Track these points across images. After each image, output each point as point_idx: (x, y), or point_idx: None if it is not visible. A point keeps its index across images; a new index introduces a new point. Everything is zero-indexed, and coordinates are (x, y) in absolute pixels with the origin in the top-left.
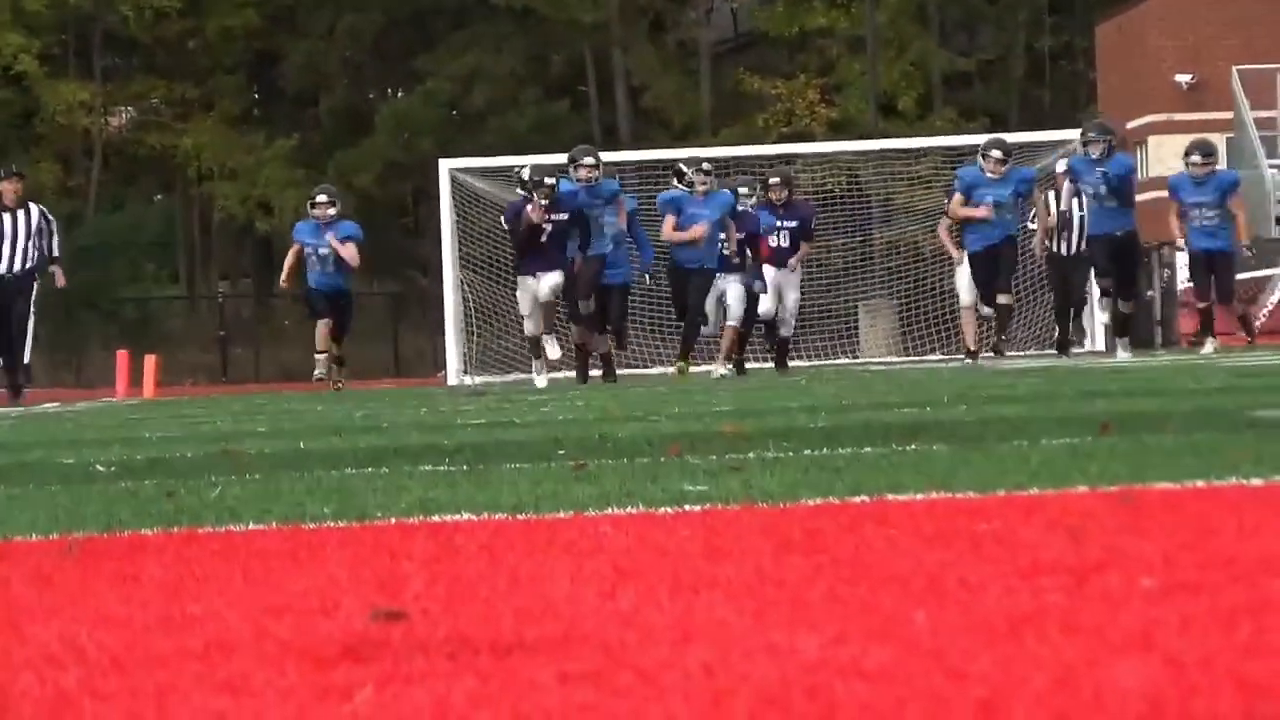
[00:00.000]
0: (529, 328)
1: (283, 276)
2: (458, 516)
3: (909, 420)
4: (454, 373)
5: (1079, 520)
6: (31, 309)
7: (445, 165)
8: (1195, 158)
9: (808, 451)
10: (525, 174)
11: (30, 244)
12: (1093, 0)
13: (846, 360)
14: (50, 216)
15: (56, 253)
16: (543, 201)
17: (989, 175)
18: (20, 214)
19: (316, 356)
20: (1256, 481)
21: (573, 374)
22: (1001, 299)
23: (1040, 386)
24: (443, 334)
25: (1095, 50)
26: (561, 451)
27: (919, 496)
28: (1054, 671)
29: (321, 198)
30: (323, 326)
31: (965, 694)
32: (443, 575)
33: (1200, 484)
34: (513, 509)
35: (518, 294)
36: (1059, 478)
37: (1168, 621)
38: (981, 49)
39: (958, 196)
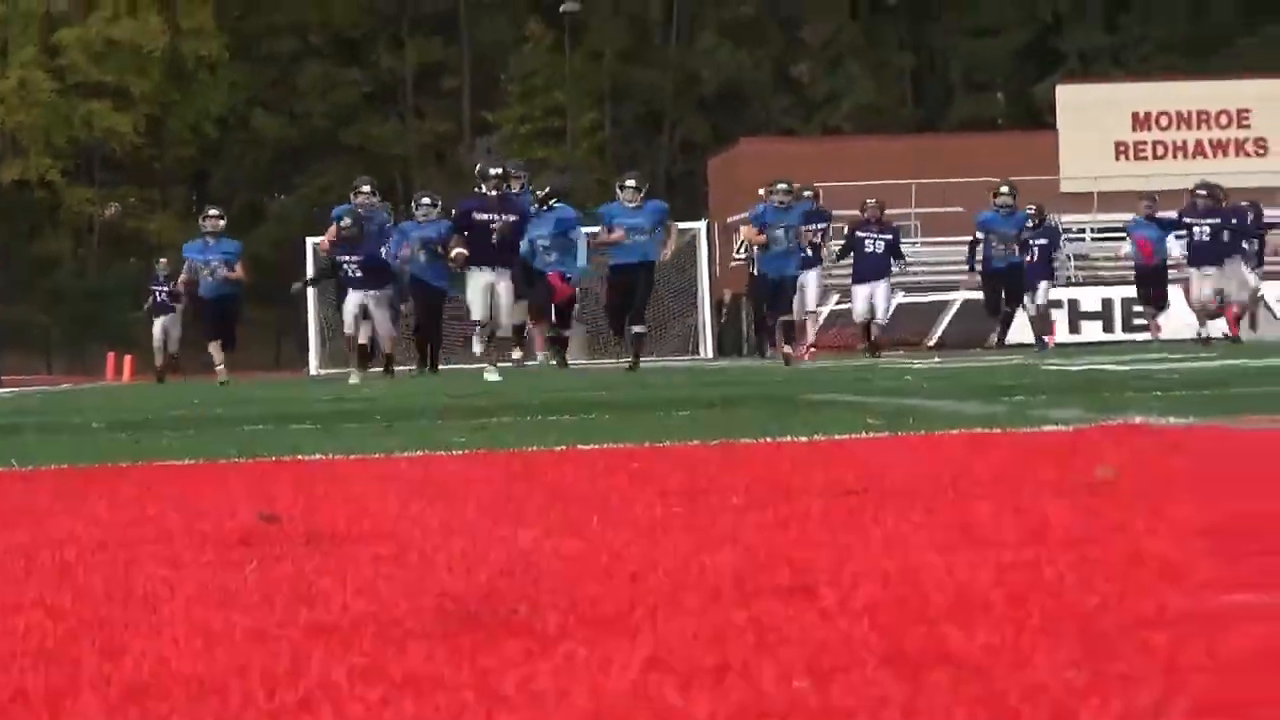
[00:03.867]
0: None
1: (181, 281)
2: (313, 456)
3: (595, 399)
4: (313, 368)
5: (695, 462)
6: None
7: (310, 241)
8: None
9: (528, 418)
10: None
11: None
12: (707, 142)
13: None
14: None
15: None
16: (492, 193)
17: (628, 205)
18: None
19: (219, 368)
20: (803, 439)
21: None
22: (636, 328)
23: (675, 379)
24: (307, 344)
25: (708, 174)
26: (378, 416)
27: (596, 446)
28: (678, 556)
29: (213, 211)
30: (214, 346)
31: (622, 569)
32: (303, 493)
33: (768, 440)
34: (346, 451)
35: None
36: (684, 435)
37: (747, 526)
38: (639, 172)
39: (602, 228)
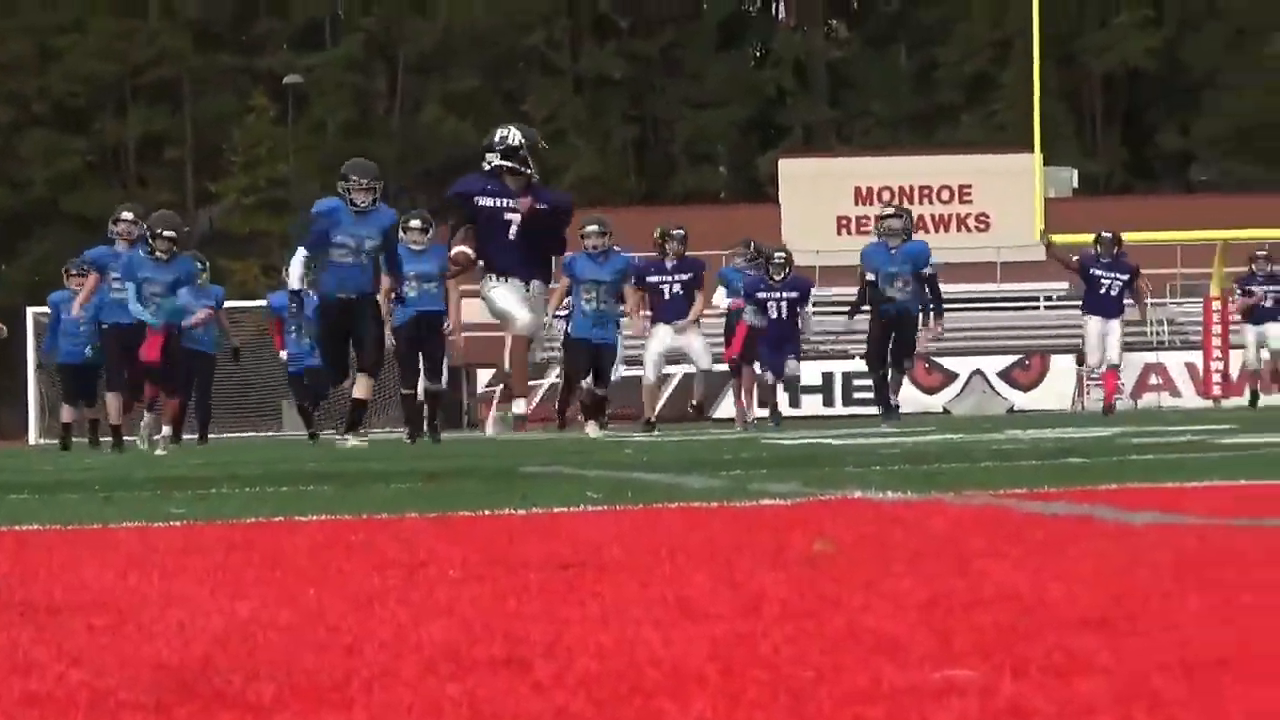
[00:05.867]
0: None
1: None
2: (30, 526)
3: (315, 470)
4: (33, 438)
5: (413, 534)
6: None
7: (31, 310)
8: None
9: (248, 489)
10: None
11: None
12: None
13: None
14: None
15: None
16: (527, 170)
17: (413, 248)
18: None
19: None
20: (522, 511)
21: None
22: (432, 385)
23: (394, 452)
24: (26, 413)
25: None
26: (97, 487)
27: (315, 517)
28: (394, 627)
29: None
30: None
31: (338, 641)
32: (19, 563)
33: (487, 512)
34: (64, 521)
35: (495, 296)
36: (402, 507)
37: (464, 598)
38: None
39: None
